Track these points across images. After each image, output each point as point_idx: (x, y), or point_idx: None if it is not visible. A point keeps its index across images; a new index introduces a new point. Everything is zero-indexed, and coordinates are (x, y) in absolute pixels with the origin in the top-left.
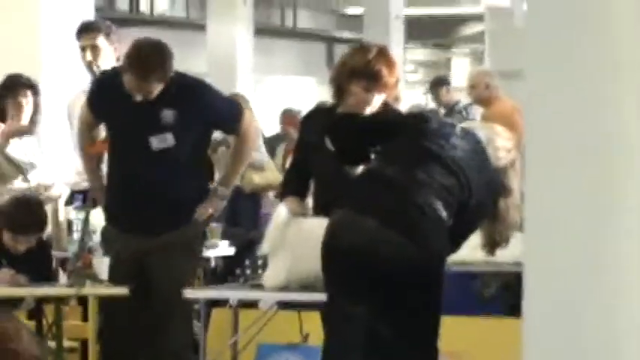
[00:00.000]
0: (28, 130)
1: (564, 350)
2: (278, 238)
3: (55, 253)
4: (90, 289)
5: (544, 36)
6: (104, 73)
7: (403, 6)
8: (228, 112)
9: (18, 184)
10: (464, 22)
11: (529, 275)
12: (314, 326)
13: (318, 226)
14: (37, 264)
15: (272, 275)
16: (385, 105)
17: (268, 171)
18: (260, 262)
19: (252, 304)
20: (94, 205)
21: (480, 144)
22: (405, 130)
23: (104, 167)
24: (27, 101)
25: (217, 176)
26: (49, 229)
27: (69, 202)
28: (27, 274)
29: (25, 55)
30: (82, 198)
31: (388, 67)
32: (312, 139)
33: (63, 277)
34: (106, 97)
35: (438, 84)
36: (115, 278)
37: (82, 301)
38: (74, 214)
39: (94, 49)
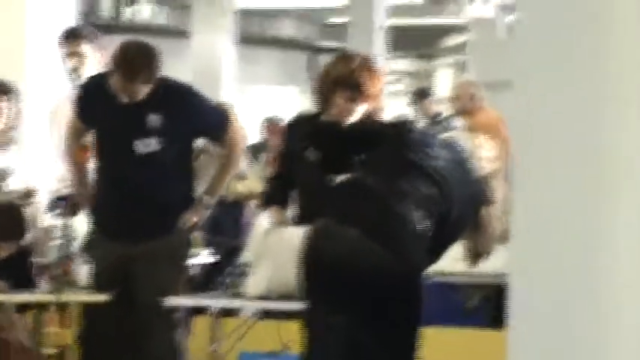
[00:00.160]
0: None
1: None
2: (259, 247)
3: (35, 260)
4: (70, 296)
5: (533, 45)
6: (90, 77)
7: (386, 16)
8: (215, 120)
9: None
10: (447, 33)
11: (515, 286)
12: (295, 335)
13: (299, 235)
14: (17, 270)
15: (253, 284)
16: (369, 114)
17: (250, 180)
18: (241, 270)
19: (233, 313)
20: (75, 212)
21: (462, 154)
22: (387, 140)
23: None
24: (3, 106)
25: (198, 184)
26: (30, 235)
27: (50, 208)
28: (6, 280)
29: (9, 61)
30: (62, 205)
31: (372, 77)
32: (295, 147)
33: (43, 284)
34: (92, 101)
35: (421, 95)
36: (97, 285)
37: (62, 308)
38: (55, 221)
39: (78, 55)
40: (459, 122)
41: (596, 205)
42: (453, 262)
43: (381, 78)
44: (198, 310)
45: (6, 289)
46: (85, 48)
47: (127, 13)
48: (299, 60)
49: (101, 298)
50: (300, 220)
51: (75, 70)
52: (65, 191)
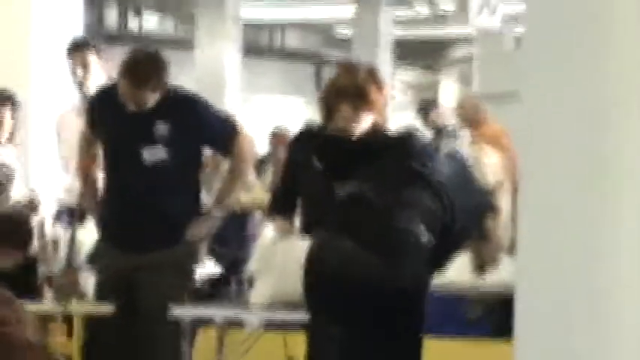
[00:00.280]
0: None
1: None
2: (265, 258)
3: (41, 270)
4: (75, 307)
5: (539, 57)
6: (101, 87)
7: (392, 27)
8: (223, 130)
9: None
10: (452, 45)
11: (521, 296)
12: (299, 348)
13: (304, 246)
14: (23, 280)
15: (258, 295)
16: (373, 125)
17: (256, 190)
18: (246, 281)
19: (238, 324)
20: (81, 222)
21: (466, 165)
22: (391, 151)
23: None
24: (5, 115)
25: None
26: (36, 245)
27: (56, 218)
28: (12, 290)
29: (15, 71)
30: (69, 214)
31: (377, 88)
32: (300, 158)
33: (48, 294)
34: (102, 110)
35: (427, 106)
36: (102, 294)
37: (67, 317)
38: (61, 231)
39: (84, 66)
40: (464, 134)
41: (602, 215)
42: (457, 272)
43: (386, 89)
44: (203, 322)
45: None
46: (92, 59)
47: (133, 23)
48: (304, 71)
49: (106, 308)
50: (304, 231)
51: (81, 80)
52: (72, 201)
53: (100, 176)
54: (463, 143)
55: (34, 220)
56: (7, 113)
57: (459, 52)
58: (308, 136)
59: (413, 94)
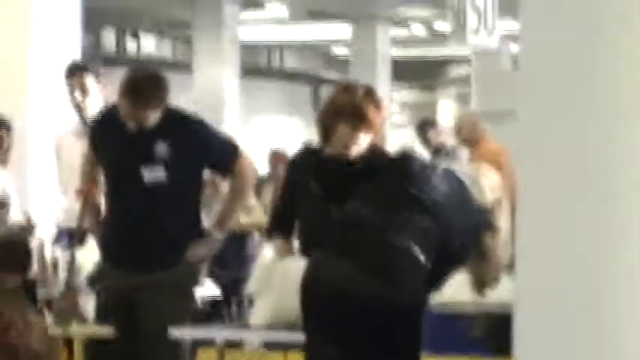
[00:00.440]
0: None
1: None
2: (264, 278)
3: (41, 293)
4: (75, 329)
5: (536, 76)
6: (103, 109)
7: (390, 47)
8: (224, 151)
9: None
10: (450, 64)
11: (520, 315)
12: None
13: (303, 266)
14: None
15: (258, 315)
16: (371, 145)
17: (255, 211)
18: (246, 301)
19: (238, 344)
20: (81, 244)
21: (463, 184)
22: (388, 172)
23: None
24: (4, 135)
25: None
26: (35, 267)
27: (55, 240)
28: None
29: (13, 94)
30: (68, 236)
31: (375, 107)
32: (298, 180)
33: (48, 317)
34: (103, 132)
35: (425, 125)
36: (103, 315)
37: (68, 340)
38: (60, 253)
39: (83, 89)
40: (462, 153)
41: (602, 233)
42: (457, 290)
43: (384, 109)
44: (204, 342)
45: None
46: (90, 82)
47: (130, 46)
48: (302, 92)
49: (107, 331)
50: (303, 252)
51: (80, 103)
52: (71, 223)
53: (101, 198)
54: (462, 162)
55: (33, 243)
56: (5, 136)
57: (456, 71)
58: (306, 157)
59: (411, 113)
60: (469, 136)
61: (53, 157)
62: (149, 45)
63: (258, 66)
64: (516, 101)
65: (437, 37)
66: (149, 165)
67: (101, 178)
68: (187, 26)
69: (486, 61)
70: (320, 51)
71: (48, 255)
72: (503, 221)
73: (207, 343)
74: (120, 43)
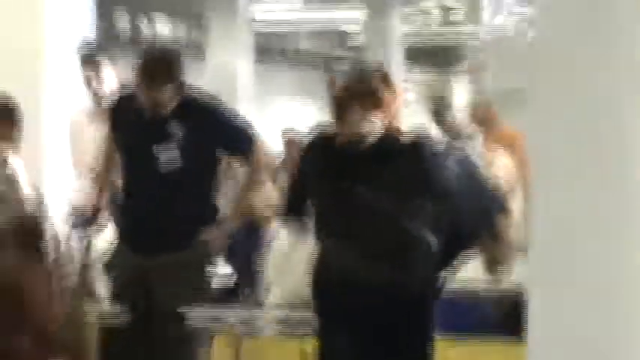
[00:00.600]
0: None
1: None
2: (279, 262)
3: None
4: (89, 310)
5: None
6: (121, 92)
7: (404, 30)
8: (241, 136)
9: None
10: (465, 47)
11: (533, 297)
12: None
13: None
14: None
15: (273, 300)
16: (386, 128)
17: (268, 195)
18: (262, 287)
19: (253, 330)
20: (96, 227)
21: (476, 168)
22: (401, 156)
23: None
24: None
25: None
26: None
27: (70, 223)
28: None
29: (27, 77)
30: (83, 219)
31: (389, 90)
32: (311, 167)
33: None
34: (121, 113)
35: (440, 108)
36: (117, 298)
37: None
38: (75, 236)
39: (97, 73)
40: (477, 136)
41: (616, 215)
42: (471, 273)
43: (399, 91)
44: (219, 329)
45: None
46: (104, 66)
47: (145, 29)
48: (316, 75)
49: (123, 314)
50: (316, 236)
51: (94, 87)
52: (86, 206)
53: (118, 180)
54: (476, 145)
55: (47, 226)
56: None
57: (471, 54)
58: (319, 140)
59: (425, 96)
60: (483, 118)
61: (67, 140)
62: (163, 29)
63: (272, 50)
64: (531, 83)
65: (452, 20)
66: (164, 147)
67: (116, 161)
68: (202, 9)
69: (501, 44)
70: (334, 35)
71: (62, 236)
72: (516, 204)
73: (223, 328)
74: (134, 26)
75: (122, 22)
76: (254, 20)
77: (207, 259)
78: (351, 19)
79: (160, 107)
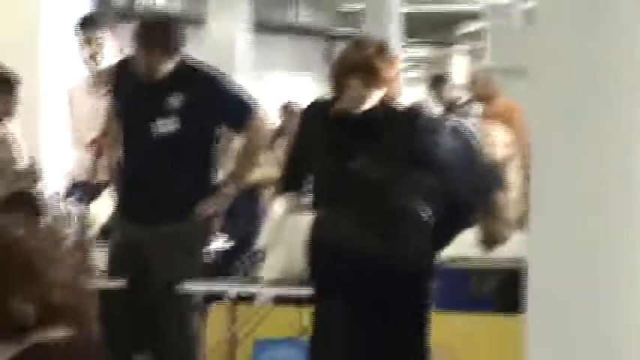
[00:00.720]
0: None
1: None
2: (275, 233)
3: None
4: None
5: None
6: (120, 60)
7: (402, 2)
8: (238, 107)
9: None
10: (463, 20)
11: (533, 271)
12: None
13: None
14: None
15: (269, 269)
16: (384, 101)
17: (266, 166)
18: (257, 256)
19: (249, 299)
20: (93, 197)
21: (471, 140)
22: (397, 127)
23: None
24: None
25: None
26: (46, 221)
27: (67, 194)
28: None
29: (25, 48)
30: (81, 190)
31: (387, 63)
32: (310, 133)
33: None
34: (120, 83)
35: (438, 81)
36: (112, 267)
37: None
38: (72, 206)
39: (94, 43)
40: (475, 109)
41: (620, 188)
42: (467, 247)
43: (397, 64)
44: (215, 297)
45: None
46: (102, 35)
47: (143, 0)
48: (314, 47)
49: (118, 284)
50: (314, 207)
51: (91, 57)
52: (83, 176)
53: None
54: (474, 118)
55: (45, 195)
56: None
57: (469, 26)
58: (317, 112)
59: (424, 69)
60: (482, 92)
61: (66, 111)
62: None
63: (271, 21)
64: (530, 57)
65: None
66: (161, 116)
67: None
68: None
69: (499, 17)
70: (332, 7)
71: (60, 208)
72: (513, 178)
73: (219, 297)
74: None
75: None
76: None
77: (203, 232)
78: None
79: (156, 73)
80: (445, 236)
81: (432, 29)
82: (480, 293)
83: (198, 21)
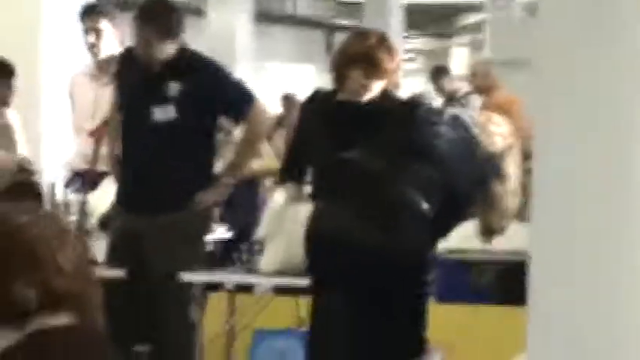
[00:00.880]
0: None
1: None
2: (274, 224)
3: None
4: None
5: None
6: (124, 49)
7: None
8: (237, 97)
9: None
10: (463, 11)
11: (535, 263)
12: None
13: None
14: None
15: (268, 260)
16: (384, 92)
17: (266, 157)
18: (257, 247)
19: (248, 289)
20: (93, 187)
21: (469, 131)
22: (396, 118)
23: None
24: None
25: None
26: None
27: (67, 183)
28: None
29: (26, 37)
30: (81, 179)
31: (388, 54)
32: (310, 124)
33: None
34: (123, 71)
35: (438, 73)
36: (112, 257)
37: None
38: (72, 196)
39: (97, 32)
40: (475, 100)
41: (623, 180)
42: (466, 238)
43: (397, 56)
44: (214, 286)
45: None
46: (104, 24)
47: None
48: (315, 38)
49: (117, 273)
50: (314, 197)
51: (93, 45)
52: (84, 165)
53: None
54: (474, 110)
55: (43, 185)
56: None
57: (469, 18)
58: (318, 102)
59: (424, 61)
60: (482, 84)
61: (67, 99)
62: None
63: (272, 12)
64: (532, 49)
65: None
66: (160, 105)
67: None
68: None
69: (499, 9)
70: None
71: (60, 198)
72: (512, 169)
73: (218, 287)
74: None
75: None
76: None
77: (203, 222)
78: None
79: (154, 58)
80: (444, 227)
81: (433, 21)
82: (479, 285)
83: (198, 11)
